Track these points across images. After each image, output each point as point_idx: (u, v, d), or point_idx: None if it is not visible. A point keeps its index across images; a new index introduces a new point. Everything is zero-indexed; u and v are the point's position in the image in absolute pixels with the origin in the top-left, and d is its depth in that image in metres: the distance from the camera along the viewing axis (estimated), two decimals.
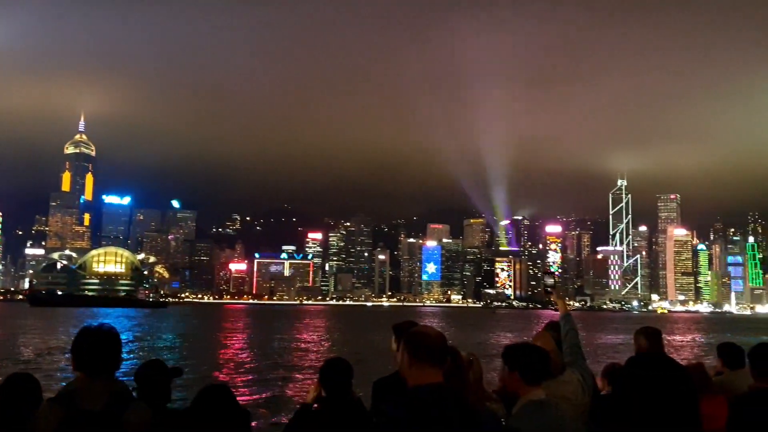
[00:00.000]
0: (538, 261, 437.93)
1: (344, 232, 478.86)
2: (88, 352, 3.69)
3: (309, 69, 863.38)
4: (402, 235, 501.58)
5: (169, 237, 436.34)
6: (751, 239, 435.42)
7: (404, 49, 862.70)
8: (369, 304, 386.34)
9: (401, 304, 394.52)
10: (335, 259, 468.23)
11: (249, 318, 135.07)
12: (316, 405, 4.83)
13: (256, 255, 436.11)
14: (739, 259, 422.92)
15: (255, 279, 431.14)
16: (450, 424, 2.90)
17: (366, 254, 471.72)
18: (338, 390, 4.75)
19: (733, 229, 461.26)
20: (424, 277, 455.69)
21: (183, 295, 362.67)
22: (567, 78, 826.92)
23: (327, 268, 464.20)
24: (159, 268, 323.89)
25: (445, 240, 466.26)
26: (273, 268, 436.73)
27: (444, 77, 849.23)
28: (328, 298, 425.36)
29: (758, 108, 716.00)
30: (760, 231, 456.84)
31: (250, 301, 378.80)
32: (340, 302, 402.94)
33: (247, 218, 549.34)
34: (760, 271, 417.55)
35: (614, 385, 5.76)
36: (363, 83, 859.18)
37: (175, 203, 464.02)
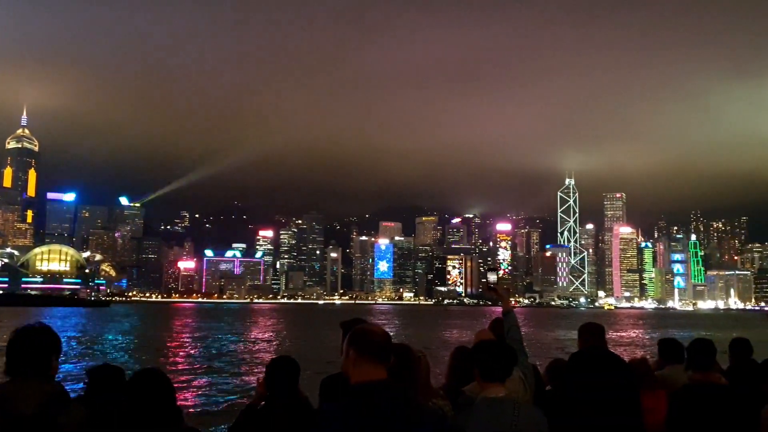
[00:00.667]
0: (489, 258, 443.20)
1: (296, 230, 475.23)
2: (20, 354, 3.58)
3: (261, 64, 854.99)
4: (354, 233, 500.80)
5: (116, 234, 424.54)
6: (693, 237, 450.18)
7: (360, 47, 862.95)
8: (321, 302, 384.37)
9: (353, 302, 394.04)
10: (286, 257, 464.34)
11: (197, 317, 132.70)
12: (261, 404, 4.70)
13: (206, 253, 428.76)
14: (682, 256, 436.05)
15: (204, 277, 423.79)
16: (393, 420, 2.88)
17: (318, 252, 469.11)
18: (284, 389, 4.65)
19: (676, 228, 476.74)
20: (377, 275, 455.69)
21: (130, 294, 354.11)
22: (519, 78, 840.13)
23: (278, 266, 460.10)
24: (105, 267, 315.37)
25: (397, 238, 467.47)
26: (223, 266, 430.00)
27: (399, 76, 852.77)
28: (279, 297, 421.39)
29: (701, 110, 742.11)
30: (701, 229, 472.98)
31: (199, 299, 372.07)
32: (291, 300, 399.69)
33: (197, 215, 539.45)
34: (702, 268, 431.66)
35: (557, 381, 6.40)
36: (318, 80, 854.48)
37: (123, 200, 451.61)
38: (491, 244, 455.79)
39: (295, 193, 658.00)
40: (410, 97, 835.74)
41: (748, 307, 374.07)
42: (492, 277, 6.32)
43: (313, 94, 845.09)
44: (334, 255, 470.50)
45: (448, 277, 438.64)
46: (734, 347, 6.92)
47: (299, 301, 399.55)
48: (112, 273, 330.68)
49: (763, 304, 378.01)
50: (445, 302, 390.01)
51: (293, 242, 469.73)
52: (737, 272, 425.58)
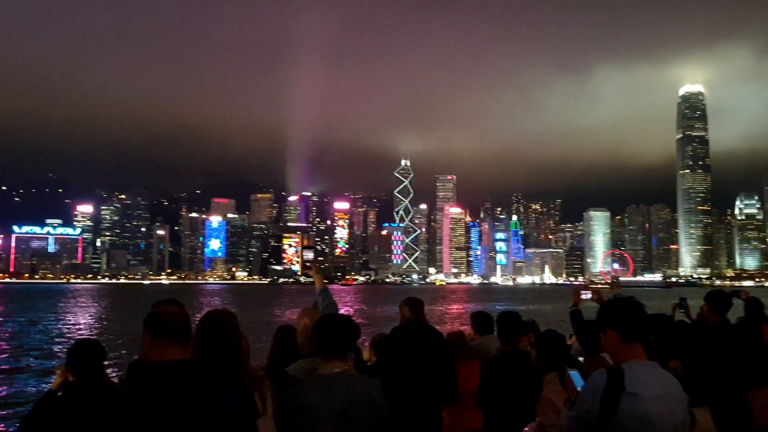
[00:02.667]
0: (326, 237, 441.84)
1: (119, 206, 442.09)
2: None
3: (85, 26, 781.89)
4: (184, 210, 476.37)
5: None
6: (514, 217, 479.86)
7: (199, 20, 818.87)
8: (146, 282, 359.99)
9: (182, 281, 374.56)
10: (108, 234, 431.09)
11: (2, 298, 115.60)
12: (61, 392, 4.33)
13: (15, 228, 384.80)
14: (504, 235, 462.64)
15: (13, 255, 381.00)
16: (191, 398, 2.83)
17: (143, 229, 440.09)
18: (88, 374, 4.30)
19: (500, 209, 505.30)
20: (208, 253, 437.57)
21: None
22: (360, 59, 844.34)
23: (99, 243, 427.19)
24: None
25: (230, 215, 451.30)
26: (35, 244, 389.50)
27: (239, 50, 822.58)
28: (99, 277, 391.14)
29: (526, 101, 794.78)
30: (522, 210, 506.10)
31: (7, 279, 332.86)
32: (114, 281, 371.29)
33: (3, 187, 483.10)
34: (522, 246, 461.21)
35: (379, 354, 6.69)
36: (152, 52, 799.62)
37: None
38: (328, 222, 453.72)
39: (119, 166, 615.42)
40: (249, 71, 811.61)
41: (560, 281, 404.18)
42: (309, 255, 6.56)
43: (144, 63, 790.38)
44: (161, 232, 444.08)
45: (284, 255, 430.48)
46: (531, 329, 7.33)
47: (122, 281, 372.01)
48: None
49: (572, 279, 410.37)
50: (281, 281, 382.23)
51: (116, 218, 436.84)
52: (551, 250, 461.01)
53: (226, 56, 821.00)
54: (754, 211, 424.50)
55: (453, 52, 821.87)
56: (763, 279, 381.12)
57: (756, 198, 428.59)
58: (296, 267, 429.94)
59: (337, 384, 3.97)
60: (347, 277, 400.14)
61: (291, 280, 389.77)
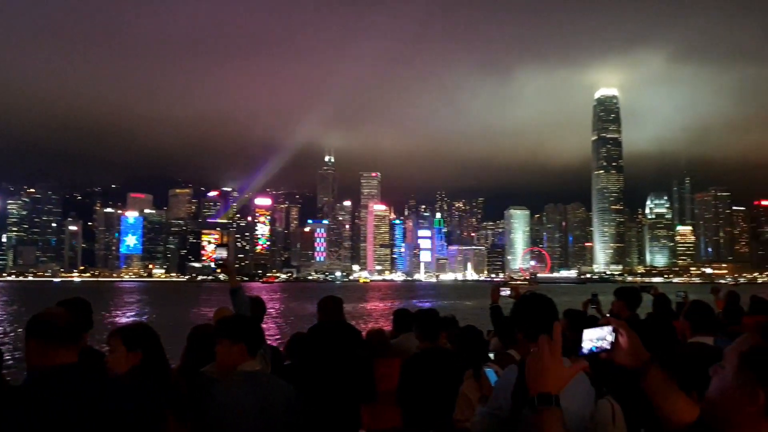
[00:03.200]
0: (247, 234, 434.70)
1: (27, 200, 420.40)
2: None
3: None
4: (98, 205, 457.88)
5: None
6: (438, 215, 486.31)
7: (117, 7, 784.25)
8: (57, 279, 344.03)
9: (96, 279, 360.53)
10: (15, 229, 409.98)
11: None
12: None
13: None
14: (428, 232, 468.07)
15: None
16: (76, 403, 2.72)
17: (54, 225, 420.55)
18: None
19: (424, 206, 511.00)
20: (123, 250, 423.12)
21: None
22: (284, 54, 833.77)
23: (5, 239, 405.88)
24: None
25: (147, 211, 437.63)
26: None
27: (159, 42, 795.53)
28: (5, 274, 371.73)
29: (450, 101, 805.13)
30: (445, 208, 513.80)
31: None
32: (21, 278, 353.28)
33: None
34: (445, 244, 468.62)
35: (295, 355, 6.69)
36: (61, 38, 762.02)
37: None
38: (249, 218, 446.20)
39: (27, 159, 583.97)
40: (168, 64, 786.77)
41: (482, 278, 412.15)
42: (221, 254, 6.34)
43: (58, 55, 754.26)
44: (73, 228, 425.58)
45: (203, 252, 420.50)
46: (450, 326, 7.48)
47: (30, 278, 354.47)
48: None
49: (493, 275, 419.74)
50: (199, 279, 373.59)
51: (24, 213, 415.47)
52: (474, 247, 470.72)
53: (145, 49, 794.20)
54: (663, 210, 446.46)
55: (379, 50, 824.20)
56: (671, 275, 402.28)
57: (665, 198, 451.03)
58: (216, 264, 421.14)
59: (256, 382, 3.96)
60: (268, 274, 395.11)
61: (210, 277, 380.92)
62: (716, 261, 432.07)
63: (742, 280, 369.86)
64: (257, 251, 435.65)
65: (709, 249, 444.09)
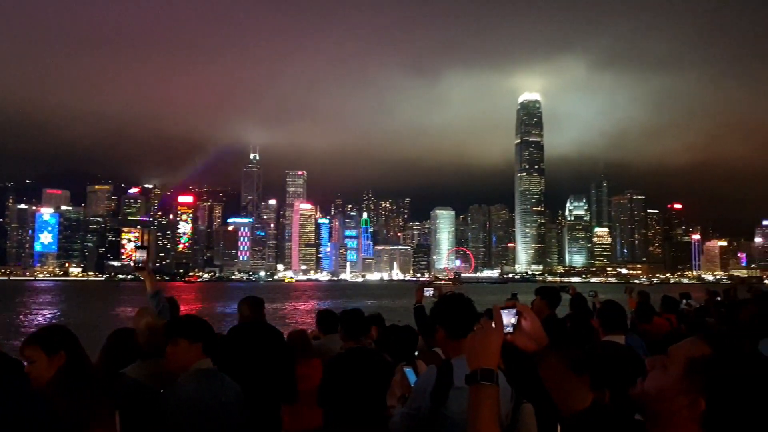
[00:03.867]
0: (168, 232, 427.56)
1: None
2: None
3: None
4: (11, 200, 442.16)
5: None
6: (365, 215, 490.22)
7: (36, 3, 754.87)
8: None
9: (7, 278, 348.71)
10: None
11: None
12: None
13: None
14: (355, 232, 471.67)
15: None
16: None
17: None
18: None
19: (350, 206, 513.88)
20: (37, 248, 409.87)
21: None
22: (210, 48, 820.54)
23: None
24: None
25: (64, 207, 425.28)
26: None
27: (78, 35, 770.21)
28: None
29: (379, 101, 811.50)
30: (372, 208, 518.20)
31: None
32: None
33: None
34: (371, 243, 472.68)
35: (213, 355, 6.54)
36: None
37: None
38: (171, 216, 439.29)
39: None
40: (88, 58, 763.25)
41: (407, 277, 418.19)
42: (140, 256, 6.19)
43: None
44: None
45: (123, 251, 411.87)
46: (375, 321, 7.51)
47: None
48: None
49: (419, 275, 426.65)
50: (118, 278, 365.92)
51: None
52: (400, 247, 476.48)
53: (64, 40, 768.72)
54: (582, 212, 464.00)
55: (306, 48, 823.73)
56: (589, 275, 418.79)
57: (584, 201, 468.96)
58: None
59: (214, 379, 4.00)
60: (190, 274, 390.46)
61: (130, 276, 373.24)
62: (631, 262, 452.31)
63: (655, 280, 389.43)
64: (179, 250, 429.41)
65: (625, 250, 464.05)
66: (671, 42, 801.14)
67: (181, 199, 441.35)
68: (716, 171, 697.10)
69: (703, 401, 1.67)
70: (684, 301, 10.99)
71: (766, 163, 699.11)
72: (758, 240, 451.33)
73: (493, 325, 2.18)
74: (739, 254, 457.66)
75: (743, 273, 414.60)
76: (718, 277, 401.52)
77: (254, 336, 6.06)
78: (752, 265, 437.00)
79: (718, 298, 12.15)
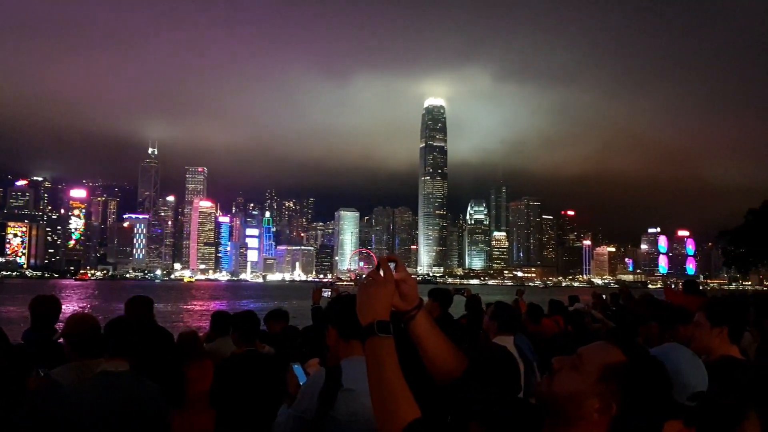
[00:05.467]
0: (59, 227, 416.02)
1: None
2: None
3: None
4: None
5: None
6: (267, 214, 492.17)
7: None
8: None
9: None
10: None
11: None
12: None
13: None
14: (257, 231, 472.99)
15: None
16: None
17: None
18: None
19: (252, 204, 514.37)
20: None
21: None
22: (102, 37, 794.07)
23: None
24: None
25: None
26: None
27: None
28: None
29: (286, 101, 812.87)
30: (275, 207, 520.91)
31: None
32: None
33: None
34: (273, 243, 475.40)
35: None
36: None
37: None
38: (62, 211, 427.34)
39: None
40: None
41: (310, 278, 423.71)
42: None
43: None
44: None
45: (8, 246, 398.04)
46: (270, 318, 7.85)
47: None
48: None
49: (321, 276, 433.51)
50: (3, 275, 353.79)
51: None
52: (303, 247, 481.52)
53: None
54: (482, 217, 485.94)
55: (212, 42, 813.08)
56: (486, 278, 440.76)
57: (484, 205, 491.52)
58: (22, 259, 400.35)
59: (123, 381, 3.88)
60: (82, 271, 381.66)
61: (15, 273, 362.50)
62: (527, 265, 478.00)
63: (549, 283, 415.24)
64: (70, 246, 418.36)
65: (521, 254, 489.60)
66: (569, 58, 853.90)
67: (74, 193, 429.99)
68: (607, 180, 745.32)
69: (615, 406, 1.72)
70: (573, 303, 11.54)
71: (653, 174, 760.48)
72: (644, 247, 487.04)
73: (382, 275, 2.17)
74: (626, 260, 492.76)
75: (629, 278, 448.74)
76: (606, 281, 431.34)
77: (141, 337, 5.44)
78: (638, 271, 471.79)
79: (604, 296, 12.90)
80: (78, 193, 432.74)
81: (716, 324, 3.82)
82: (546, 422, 1.84)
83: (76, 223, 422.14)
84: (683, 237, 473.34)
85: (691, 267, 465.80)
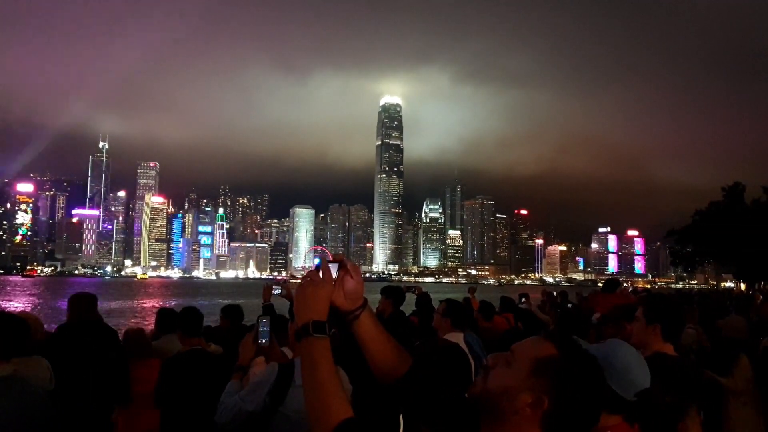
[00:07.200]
0: (5, 222, 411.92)
1: None
2: None
3: None
4: None
5: None
6: (221, 210, 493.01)
7: None
8: None
9: None
10: None
11: None
12: None
13: None
14: (210, 228, 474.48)
15: None
16: None
17: None
18: None
19: (206, 200, 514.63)
20: None
21: None
22: (51, 26, 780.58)
23: None
24: None
25: None
26: None
27: None
28: None
29: (243, 97, 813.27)
30: (229, 204, 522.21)
31: None
32: None
33: None
34: (227, 240, 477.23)
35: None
36: None
37: None
38: (8, 206, 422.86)
39: None
40: None
41: (264, 276, 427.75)
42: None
43: None
44: None
45: None
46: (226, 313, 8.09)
47: None
48: None
49: (276, 273, 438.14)
50: None
51: None
52: (257, 245, 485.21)
53: None
54: (437, 215, 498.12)
55: (166, 37, 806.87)
56: (441, 276, 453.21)
57: (439, 204, 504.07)
58: None
59: (11, 387, 3.58)
60: (29, 268, 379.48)
61: None
62: (480, 263, 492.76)
63: (502, 281, 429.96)
64: (16, 242, 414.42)
65: (475, 252, 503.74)
66: (524, 60, 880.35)
67: (20, 187, 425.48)
68: (559, 180, 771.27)
69: (547, 400, 1.74)
70: (522, 300, 11.70)
71: (605, 175, 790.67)
72: (594, 246, 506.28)
73: (321, 276, 2.16)
74: (577, 258, 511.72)
75: (580, 276, 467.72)
76: (558, 279, 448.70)
77: (84, 335, 5.85)
78: (588, 269, 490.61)
79: (554, 293, 12.91)
80: (25, 187, 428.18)
81: (651, 321, 3.70)
82: (482, 420, 1.85)
83: (23, 218, 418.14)
84: (632, 237, 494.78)
85: (639, 266, 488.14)
